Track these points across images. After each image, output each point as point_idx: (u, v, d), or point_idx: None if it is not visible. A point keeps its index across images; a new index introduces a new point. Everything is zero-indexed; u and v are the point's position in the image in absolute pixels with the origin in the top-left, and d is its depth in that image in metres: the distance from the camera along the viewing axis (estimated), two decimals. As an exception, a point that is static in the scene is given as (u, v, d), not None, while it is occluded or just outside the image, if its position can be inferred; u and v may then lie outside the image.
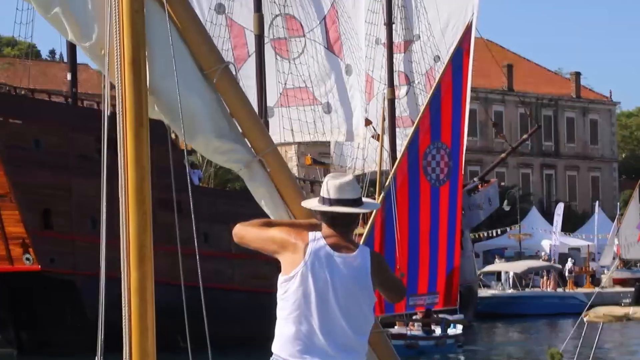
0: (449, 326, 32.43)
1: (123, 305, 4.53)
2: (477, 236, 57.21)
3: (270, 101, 39.20)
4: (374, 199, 26.29)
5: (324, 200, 4.89)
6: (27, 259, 31.97)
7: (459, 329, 33.00)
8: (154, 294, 4.55)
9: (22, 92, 34.34)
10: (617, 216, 63.56)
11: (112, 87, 4.76)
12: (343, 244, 4.88)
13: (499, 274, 56.26)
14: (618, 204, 70.99)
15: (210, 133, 4.80)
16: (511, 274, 54.49)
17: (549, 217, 64.07)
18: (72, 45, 35.20)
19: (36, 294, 32.27)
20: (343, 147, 44.73)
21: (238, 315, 31.29)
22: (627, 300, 46.41)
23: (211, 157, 4.93)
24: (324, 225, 4.91)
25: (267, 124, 36.40)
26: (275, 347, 4.88)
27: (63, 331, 32.10)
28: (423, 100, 39.16)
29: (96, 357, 4.84)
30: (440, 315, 31.78)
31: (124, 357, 4.54)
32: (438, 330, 32.16)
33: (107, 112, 4.50)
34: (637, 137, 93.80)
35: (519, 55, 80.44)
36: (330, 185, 4.90)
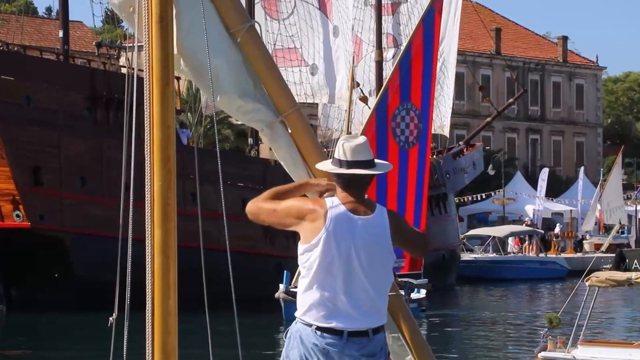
0: (413, 290, 32.44)
1: (146, 262, 4.57)
2: (461, 200, 57.39)
3: (260, 62, 39.12)
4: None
5: (339, 163, 4.92)
6: (17, 215, 31.98)
7: (422, 293, 33.01)
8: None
9: (15, 49, 34.18)
10: (600, 182, 63.81)
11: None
12: (361, 206, 4.92)
13: None
14: (601, 169, 71.27)
15: (234, 92, 4.81)
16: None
17: (533, 182, 64.28)
18: (65, 2, 34.98)
19: (25, 251, 32.29)
20: (330, 109, 44.72)
21: (225, 276, 31.31)
22: (608, 266, 46.69)
23: (234, 115, 4.95)
24: (338, 189, 4.94)
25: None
26: (299, 312, 4.93)
27: (52, 288, 32.16)
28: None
29: (114, 314, 4.88)
30: (404, 279, 31.82)
31: (146, 314, 4.58)
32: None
33: (136, 71, 4.50)
34: (622, 103, 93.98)
35: (507, 18, 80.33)
36: (345, 148, 4.93)
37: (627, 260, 50.95)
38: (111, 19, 48.69)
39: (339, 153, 4.94)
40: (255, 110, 4.88)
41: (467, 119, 70.99)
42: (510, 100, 56.83)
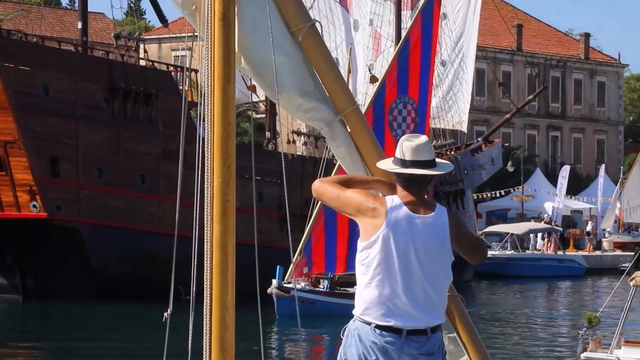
0: None
1: (205, 258, 4.59)
2: (480, 196, 57.29)
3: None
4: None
5: (399, 162, 4.94)
6: (34, 206, 32.03)
7: None
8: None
9: (33, 40, 34.26)
10: (620, 180, 63.56)
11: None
12: (421, 205, 4.94)
13: None
14: (622, 167, 70.91)
15: (294, 90, 4.83)
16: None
17: (552, 179, 64.08)
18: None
19: (42, 242, 32.37)
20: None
21: (241, 268, 31.31)
22: (627, 264, 46.56)
23: (294, 114, 4.96)
24: (399, 188, 4.96)
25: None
26: (358, 310, 4.94)
27: (67, 278, 32.26)
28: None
29: (169, 309, 4.92)
30: None
31: (204, 310, 4.59)
32: None
33: (207, 67, 4.51)
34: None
35: (529, 14, 79.93)
36: (405, 147, 4.95)
37: (647, 259, 50.82)
38: (133, 10, 48.83)
39: (399, 152, 4.97)
40: (315, 108, 4.90)
41: (487, 115, 70.77)
42: (530, 96, 56.67)
